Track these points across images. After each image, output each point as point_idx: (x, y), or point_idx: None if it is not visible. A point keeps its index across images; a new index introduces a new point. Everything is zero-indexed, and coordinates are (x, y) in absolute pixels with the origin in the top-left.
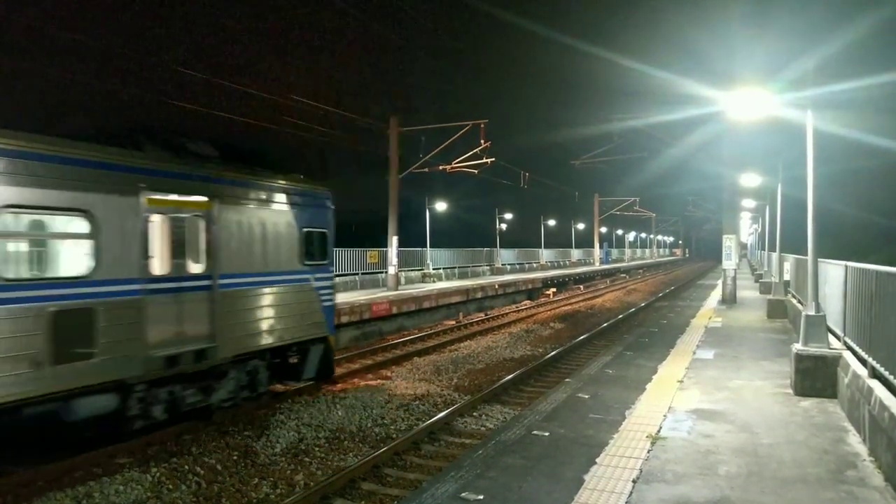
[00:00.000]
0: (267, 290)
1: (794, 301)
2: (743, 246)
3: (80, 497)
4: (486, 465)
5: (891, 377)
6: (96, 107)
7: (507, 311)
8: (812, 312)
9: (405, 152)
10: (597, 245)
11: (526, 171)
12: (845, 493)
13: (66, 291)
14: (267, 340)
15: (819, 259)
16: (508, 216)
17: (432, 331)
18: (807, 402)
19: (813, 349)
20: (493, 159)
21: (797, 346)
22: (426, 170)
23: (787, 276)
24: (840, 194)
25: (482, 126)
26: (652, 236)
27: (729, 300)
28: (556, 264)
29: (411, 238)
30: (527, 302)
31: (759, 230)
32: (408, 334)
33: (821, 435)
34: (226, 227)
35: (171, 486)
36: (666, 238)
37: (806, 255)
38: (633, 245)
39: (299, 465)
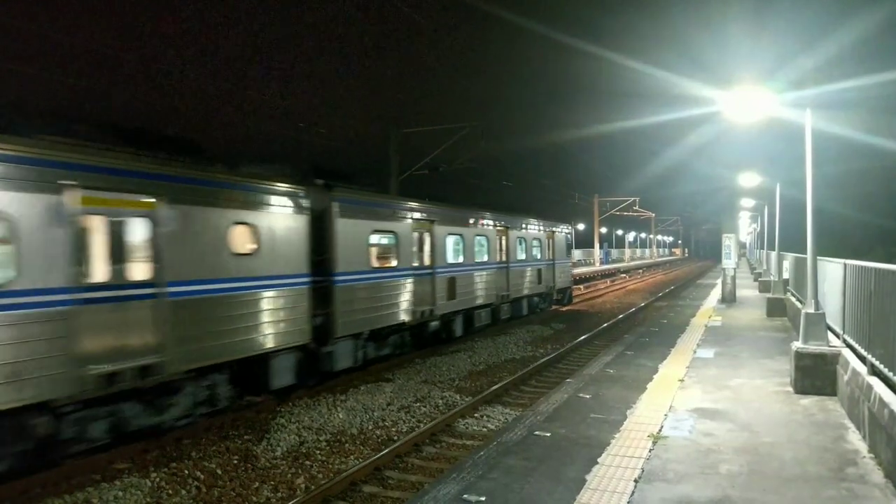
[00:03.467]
0: (561, 266)
1: (794, 299)
2: (742, 245)
3: (79, 503)
4: (488, 467)
5: (890, 374)
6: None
7: None
8: (811, 310)
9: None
10: (597, 245)
11: (525, 171)
12: (846, 491)
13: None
14: (558, 286)
15: (818, 257)
16: None
17: None
18: (807, 400)
19: (812, 347)
20: (492, 161)
21: (797, 345)
22: (426, 172)
23: (786, 275)
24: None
25: (481, 127)
26: (651, 236)
27: (728, 299)
28: None
29: None
30: None
31: (758, 229)
32: None
33: (821, 433)
34: (555, 244)
35: (170, 492)
36: (665, 238)
37: (805, 253)
38: (632, 245)
39: (300, 469)
